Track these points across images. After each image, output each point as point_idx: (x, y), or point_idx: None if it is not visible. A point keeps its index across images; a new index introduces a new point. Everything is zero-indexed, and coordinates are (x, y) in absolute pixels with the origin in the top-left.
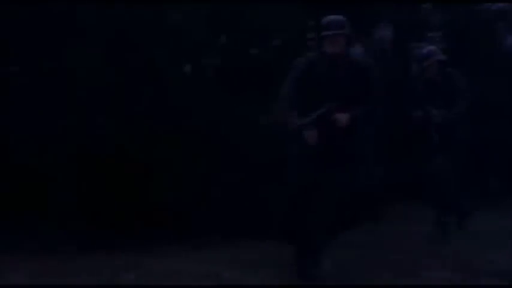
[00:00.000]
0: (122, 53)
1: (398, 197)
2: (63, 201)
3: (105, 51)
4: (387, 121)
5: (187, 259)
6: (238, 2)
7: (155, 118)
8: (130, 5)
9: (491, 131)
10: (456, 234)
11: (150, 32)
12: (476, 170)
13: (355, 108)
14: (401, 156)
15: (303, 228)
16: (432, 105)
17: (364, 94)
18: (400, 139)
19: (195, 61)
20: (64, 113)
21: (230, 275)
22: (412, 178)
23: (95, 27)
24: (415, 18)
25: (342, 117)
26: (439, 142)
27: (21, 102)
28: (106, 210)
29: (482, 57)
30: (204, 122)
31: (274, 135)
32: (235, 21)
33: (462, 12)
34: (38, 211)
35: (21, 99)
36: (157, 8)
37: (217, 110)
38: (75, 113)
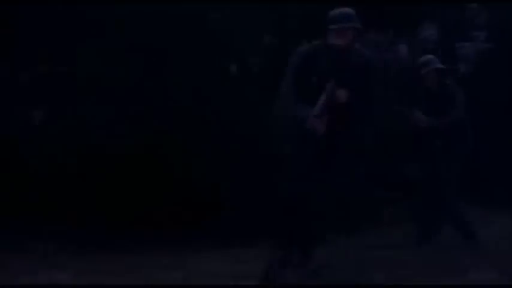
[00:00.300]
0: (167, 51)
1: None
2: (106, 201)
3: (148, 50)
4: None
5: (229, 258)
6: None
7: (199, 117)
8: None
9: None
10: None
11: (195, 30)
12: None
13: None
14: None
15: (297, 234)
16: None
17: (364, 91)
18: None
19: (241, 60)
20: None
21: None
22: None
23: (136, 25)
24: (460, 17)
25: (342, 93)
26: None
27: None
28: (149, 211)
29: None
30: (249, 122)
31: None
32: (282, 21)
33: (508, 12)
34: (83, 210)
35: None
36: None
37: (262, 109)
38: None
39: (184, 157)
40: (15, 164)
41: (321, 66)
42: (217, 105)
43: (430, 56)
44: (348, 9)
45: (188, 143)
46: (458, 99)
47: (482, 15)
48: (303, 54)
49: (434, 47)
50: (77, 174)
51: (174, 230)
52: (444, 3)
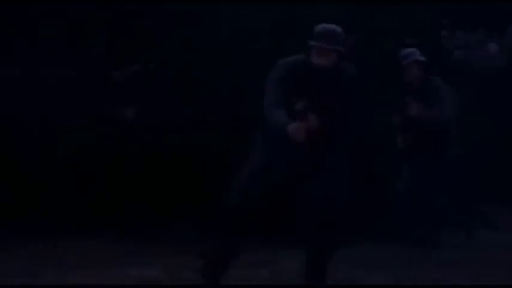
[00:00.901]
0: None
1: None
2: (194, 198)
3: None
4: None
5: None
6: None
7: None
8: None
9: None
10: None
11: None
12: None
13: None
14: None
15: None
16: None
17: (343, 106)
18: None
19: None
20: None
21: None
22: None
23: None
24: None
25: (313, 118)
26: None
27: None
28: None
29: None
30: None
31: None
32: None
33: None
34: (171, 208)
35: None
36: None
37: None
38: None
39: None
40: (105, 161)
41: (299, 83)
42: None
43: (411, 49)
44: (334, 27)
45: None
46: (444, 97)
47: None
48: (284, 67)
49: None
50: (167, 171)
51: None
52: None
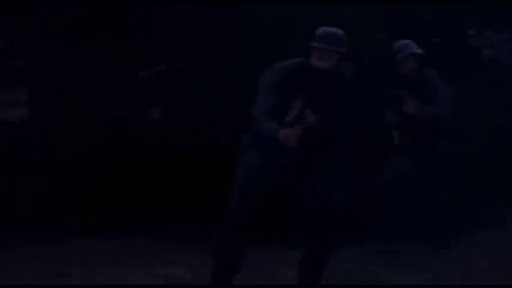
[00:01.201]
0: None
1: None
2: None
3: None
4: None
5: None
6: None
7: None
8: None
9: None
10: None
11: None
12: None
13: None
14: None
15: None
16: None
17: (341, 108)
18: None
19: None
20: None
21: None
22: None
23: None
24: None
25: (312, 116)
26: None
27: None
28: None
29: None
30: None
31: None
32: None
33: None
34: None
35: None
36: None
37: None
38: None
39: None
40: (133, 160)
41: (296, 86)
42: None
43: (406, 41)
44: (336, 30)
45: None
46: (441, 92)
47: None
48: (281, 70)
49: None
50: (195, 170)
51: None
52: None
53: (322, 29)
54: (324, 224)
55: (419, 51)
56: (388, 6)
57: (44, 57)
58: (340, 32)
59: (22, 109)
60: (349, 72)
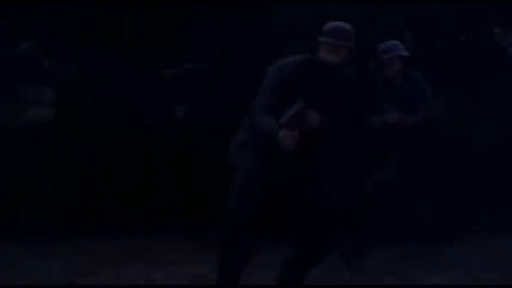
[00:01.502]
0: None
1: None
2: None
3: None
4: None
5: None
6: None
7: None
8: None
9: None
10: None
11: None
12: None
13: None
14: None
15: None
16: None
17: (344, 106)
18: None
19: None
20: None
21: None
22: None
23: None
24: None
25: (314, 115)
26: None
27: None
28: None
29: None
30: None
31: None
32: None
33: None
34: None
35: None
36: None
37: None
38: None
39: None
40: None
41: (302, 83)
42: None
43: (394, 42)
44: (343, 24)
45: None
46: (427, 96)
47: None
48: (286, 67)
49: None
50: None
51: None
52: None
53: (330, 24)
54: (323, 224)
55: (406, 53)
56: (413, 6)
57: (68, 57)
58: (347, 26)
59: (47, 109)
60: (350, 71)
